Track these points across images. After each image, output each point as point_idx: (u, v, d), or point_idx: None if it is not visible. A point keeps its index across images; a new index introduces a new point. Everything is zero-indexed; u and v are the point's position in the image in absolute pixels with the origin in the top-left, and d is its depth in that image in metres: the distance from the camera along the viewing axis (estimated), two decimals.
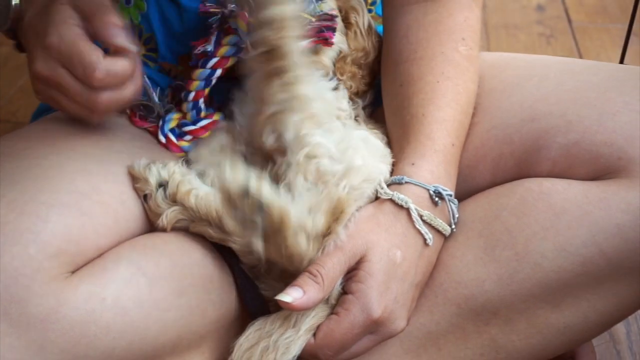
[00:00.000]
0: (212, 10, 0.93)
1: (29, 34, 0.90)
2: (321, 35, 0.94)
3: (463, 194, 0.94)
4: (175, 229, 0.88)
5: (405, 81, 0.96)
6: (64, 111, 0.90)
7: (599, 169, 0.85)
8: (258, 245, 0.78)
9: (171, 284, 0.84)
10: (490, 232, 0.88)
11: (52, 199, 0.80)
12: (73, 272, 0.80)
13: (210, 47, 0.93)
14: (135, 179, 0.89)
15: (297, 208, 0.79)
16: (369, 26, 1.03)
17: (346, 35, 1.01)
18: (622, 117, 0.85)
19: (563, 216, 0.84)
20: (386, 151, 0.93)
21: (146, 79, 0.98)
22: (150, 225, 0.90)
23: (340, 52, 1.00)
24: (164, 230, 0.87)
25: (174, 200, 0.86)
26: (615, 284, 0.84)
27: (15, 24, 0.93)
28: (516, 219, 0.87)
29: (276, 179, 0.86)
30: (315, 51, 0.96)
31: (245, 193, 0.75)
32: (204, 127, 0.97)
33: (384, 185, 0.88)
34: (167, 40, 1.05)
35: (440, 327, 0.90)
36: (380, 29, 1.11)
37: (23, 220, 0.77)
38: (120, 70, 0.85)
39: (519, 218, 0.86)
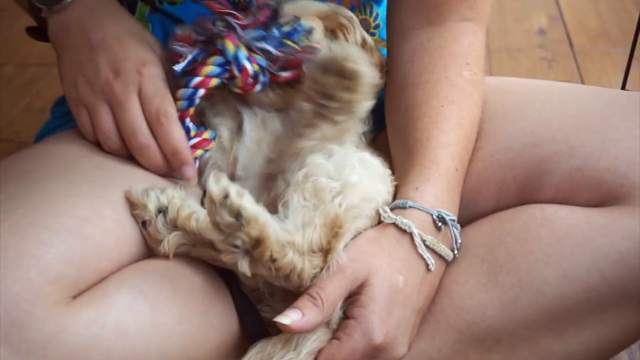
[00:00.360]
0: (201, 28, 0.93)
1: (75, 38, 0.95)
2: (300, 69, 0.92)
3: (466, 219, 0.94)
4: (177, 254, 0.88)
5: (409, 105, 0.97)
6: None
7: (602, 195, 0.85)
8: (242, 260, 0.78)
9: (173, 310, 0.83)
10: (493, 258, 0.88)
11: (55, 223, 0.80)
12: (75, 296, 0.79)
13: (190, 57, 0.92)
14: (133, 205, 0.88)
15: (286, 223, 0.80)
16: (364, 41, 1.03)
17: None
18: (625, 143, 0.85)
19: (566, 242, 0.84)
20: (385, 172, 0.93)
21: None
22: (152, 251, 0.89)
23: None
24: (166, 256, 0.87)
25: (174, 226, 0.86)
26: (618, 311, 0.84)
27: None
28: (519, 245, 0.86)
29: (273, 204, 0.87)
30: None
31: (225, 199, 0.74)
32: (194, 146, 0.95)
33: (387, 209, 0.87)
34: None
35: (442, 353, 0.89)
36: (384, 52, 1.12)
37: (25, 244, 0.77)
38: (177, 136, 0.92)
39: (522, 244, 0.86)
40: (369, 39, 1.03)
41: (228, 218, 0.75)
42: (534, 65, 2.28)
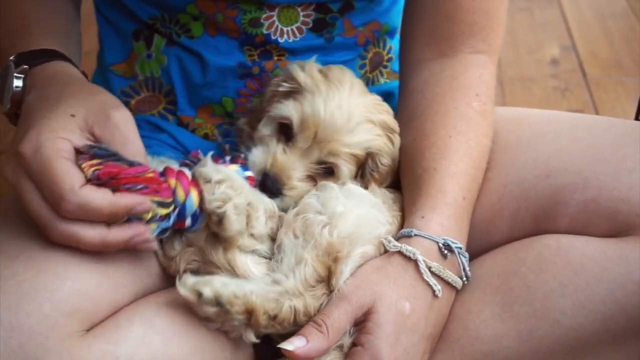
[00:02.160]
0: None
1: (23, 115, 0.85)
2: None
3: (481, 249, 0.94)
4: (187, 270, 0.87)
5: (418, 136, 0.97)
6: None
7: (618, 226, 0.84)
8: (246, 333, 0.82)
9: (186, 342, 0.83)
10: (508, 288, 0.87)
11: (70, 258, 0.81)
12: (88, 329, 0.79)
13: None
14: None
15: (277, 271, 0.84)
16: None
17: None
18: (638, 173, 0.85)
19: (582, 273, 0.83)
20: (377, 201, 0.93)
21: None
22: (165, 282, 0.90)
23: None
24: (176, 272, 0.87)
25: (189, 245, 0.87)
26: (636, 342, 0.83)
27: (16, 107, 0.90)
28: (534, 275, 0.86)
29: None
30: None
31: (200, 297, 0.79)
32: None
33: (391, 239, 0.88)
34: (187, 92, 1.07)
35: None
36: (393, 85, 1.13)
37: (40, 278, 0.78)
38: (97, 206, 0.76)
39: (537, 274, 0.86)
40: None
41: (212, 309, 0.80)
42: (547, 95, 2.28)
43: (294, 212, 0.89)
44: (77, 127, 0.80)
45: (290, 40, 1.05)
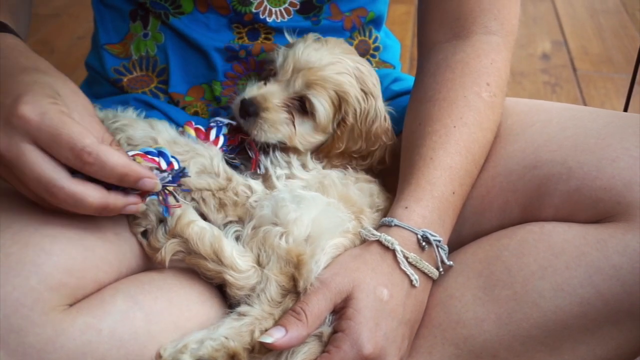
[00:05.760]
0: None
1: None
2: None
3: (471, 240, 0.94)
4: (172, 261, 0.89)
5: (424, 120, 0.97)
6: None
7: (599, 213, 0.85)
8: None
9: (167, 319, 0.84)
10: (490, 272, 0.88)
11: (57, 233, 0.81)
12: (71, 304, 0.80)
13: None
14: (133, 215, 0.89)
15: (250, 312, 0.85)
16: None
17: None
18: (621, 163, 0.85)
19: (561, 256, 0.84)
20: (329, 200, 0.93)
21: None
22: (150, 263, 0.90)
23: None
24: (162, 263, 0.88)
25: (173, 235, 0.87)
26: (614, 327, 0.84)
27: None
28: (516, 258, 0.87)
29: None
30: None
31: None
32: None
33: (370, 229, 0.89)
34: (182, 70, 1.08)
35: None
36: (381, 72, 1.13)
37: (27, 252, 0.78)
38: (114, 163, 0.77)
39: (519, 258, 0.87)
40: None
41: None
42: (537, 90, 2.30)
43: (251, 226, 0.90)
44: (66, 107, 0.80)
45: (278, 21, 1.06)
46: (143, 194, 0.83)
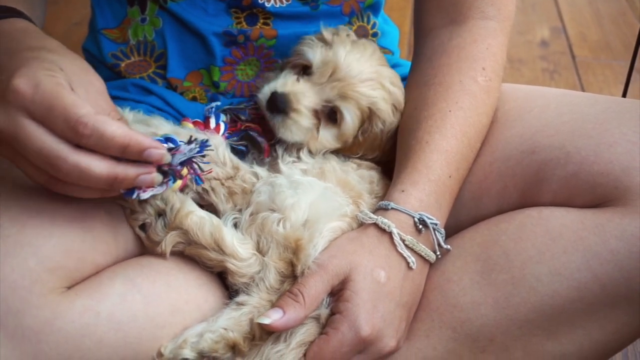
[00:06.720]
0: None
1: None
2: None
3: (469, 225, 0.94)
4: (172, 252, 0.89)
5: (419, 104, 0.97)
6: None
7: (597, 198, 0.86)
8: None
9: (166, 302, 0.84)
10: (488, 256, 0.88)
11: (57, 215, 0.81)
12: (69, 287, 0.80)
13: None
14: (131, 209, 0.88)
15: (247, 303, 0.85)
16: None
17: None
18: (619, 147, 0.85)
19: (559, 241, 0.84)
20: (326, 184, 0.93)
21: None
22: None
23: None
24: (162, 255, 0.88)
25: (172, 228, 0.87)
26: (611, 311, 0.84)
27: None
28: (514, 243, 0.87)
29: None
30: None
31: None
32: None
33: (367, 212, 0.89)
34: (180, 55, 1.07)
35: (436, 352, 0.89)
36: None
37: (25, 233, 0.78)
38: (112, 133, 0.73)
39: (517, 242, 0.87)
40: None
41: None
42: (536, 77, 2.29)
43: (249, 213, 0.90)
44: (65, 80, 0.77)
45: (277, 5, 1.05)
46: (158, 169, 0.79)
